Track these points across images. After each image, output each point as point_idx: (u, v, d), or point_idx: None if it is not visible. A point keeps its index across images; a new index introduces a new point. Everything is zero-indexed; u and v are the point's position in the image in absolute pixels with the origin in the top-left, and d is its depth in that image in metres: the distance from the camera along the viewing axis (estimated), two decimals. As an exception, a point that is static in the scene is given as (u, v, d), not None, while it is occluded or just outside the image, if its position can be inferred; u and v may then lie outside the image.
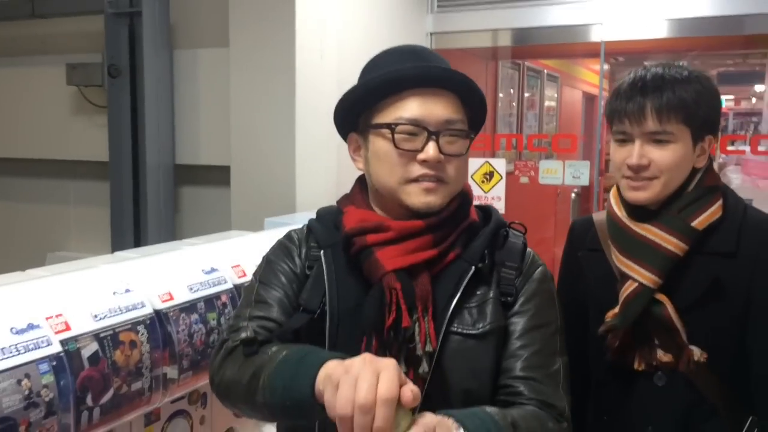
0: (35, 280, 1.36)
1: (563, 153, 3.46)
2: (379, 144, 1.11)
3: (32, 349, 1.10)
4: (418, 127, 1.08)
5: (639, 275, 1.38)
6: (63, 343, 1.16)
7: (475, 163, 3.42)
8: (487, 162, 3.42)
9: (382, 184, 1.12)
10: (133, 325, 1.31)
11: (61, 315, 1.20)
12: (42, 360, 1.10)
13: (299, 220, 2.25)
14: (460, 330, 1.09)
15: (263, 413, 1.04)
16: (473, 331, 1.09)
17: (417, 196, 1.09)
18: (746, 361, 1.38)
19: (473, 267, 1.10)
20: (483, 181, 3.55)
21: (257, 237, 1.99)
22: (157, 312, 1.38)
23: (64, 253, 3.20)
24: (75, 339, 1.19)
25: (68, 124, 3.16)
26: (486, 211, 1.22)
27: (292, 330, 1.08)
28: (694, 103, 1.37)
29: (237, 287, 1.60)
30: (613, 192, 1.54)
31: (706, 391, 1.38)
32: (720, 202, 1.42)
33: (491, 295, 1.12)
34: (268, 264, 1.22)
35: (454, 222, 1.13)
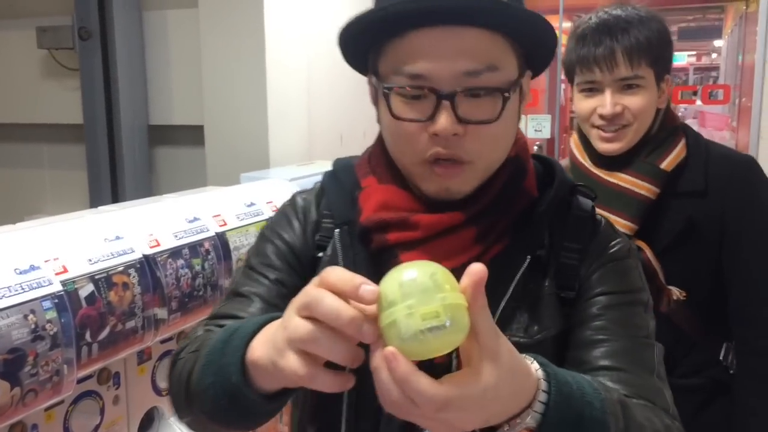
0: (29, 229, 1.45)
1: (526, 107, 3.58)
2: (382, 108, 0.84)
3: (35, 288, 1.19)
4: (421, 87, 0.78)
5: (617, 225, 1.30)
6: (62, 283, 1.25)
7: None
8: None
9: (393, 156, 0.87)
10: (125, 269, 1.41)
11: (58, 259, 1.29)
12: (45, 298, 1.20)
13: (274, 175, 2.35)
14: (508, 337, 0.77)
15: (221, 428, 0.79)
16: (524, 339, 0.82)
17: (432, 182, 0.83)
18: (722, 293, 1.40)
19: (528, 257, 0.85)
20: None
21: (235, 189, 2.08)
22: (146, 257, 1.48)
23: (41, 217, 3.24)
24: (73, 280, 1.29)
25: (40, 88, 3.19)
26: (547, 165, 0.93)
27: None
28: (657, 43, 1.36)
29: (219, 235, 1.70)
30: (574, 141, 1.53)
31: (686, 327, 1.41)
32: (683, 142, 1.41)
33: (546, 289, 0.85)
34: (260, 240, 0.97)
35: (504, 204, 0.85)
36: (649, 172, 1.39)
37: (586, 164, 1.46)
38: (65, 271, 1.29)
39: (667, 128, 1.43)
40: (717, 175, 1.39)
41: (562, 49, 1.89)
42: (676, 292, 1.38)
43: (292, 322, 0.60)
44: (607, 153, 1.41)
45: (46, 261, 1.26)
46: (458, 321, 0.55)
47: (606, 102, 1.37)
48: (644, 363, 0.82)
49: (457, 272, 0.60)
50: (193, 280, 1.59)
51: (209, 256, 1.65)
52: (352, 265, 0.86)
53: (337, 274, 0.58)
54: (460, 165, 0.81)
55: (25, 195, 3.42)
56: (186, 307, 1.57)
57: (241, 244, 1.77)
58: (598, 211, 1.25)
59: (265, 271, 0.92)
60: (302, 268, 0.92)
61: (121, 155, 2.93)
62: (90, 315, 1.31)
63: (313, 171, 2.37)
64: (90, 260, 1.35)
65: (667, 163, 1.40)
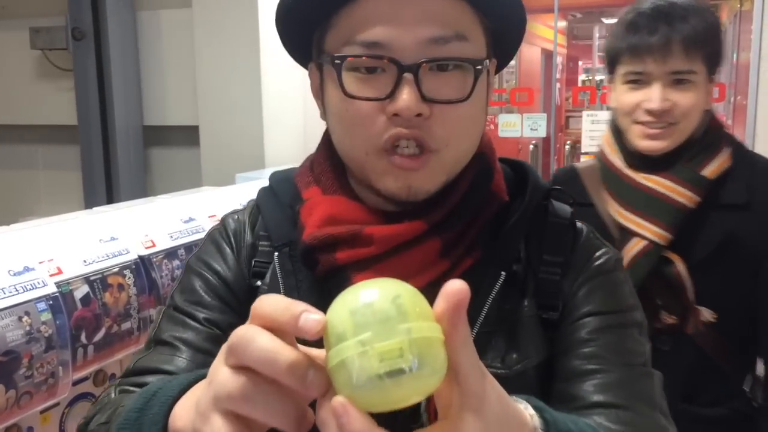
0: (23, 230, 1.44)
1: (521, 106, 3.58)
2: (329, 89, 0.71)
3: (30, 289, 1.18)
4: (380, 57, 0.66)
5: (648, 232, 1.25)
6: (57, 284, 1.24)
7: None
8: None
9: (343, 153, 0.74)
10: (120, 270, 1.40)
11: (52, 260, 1.28)
12: (39, 299, 1.19)
13: (269, 174, 2.34)
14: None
15: None
16: (502, 370, 0.70)
17: (390, 178, 0.69)
18: (754, 317, 1.29)
19: (502, 273, 0.73)
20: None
21: (230, 189, 2.07)
22: (141, 258, 1.47)
23: (35, 219, 3.23)
24: (68, 282, 1.28)
25: (34, 89, 3.17)
26: (519, 169, 0.81)
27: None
28: (713, 38, 1.25)
29: (214, 235, 1.70)
30: (606, 140, 1.39)
31: (712, 352, 1.29)
32: (729, 150, 1.29)
33: (525, 310, 0.73)
34: (185, 274, 0.81)
35: (471, 210, 0.73)
36: (691, 178, 1.26)
37: (618, 165, 1.33)
38: (60, 272, 1.28)
39: (712, 133, 1.30)
40: (763, 188, 1.27)
41: (558, 48, 1.85)
42: (706, 313, 1.26)
43: (218, 374, 0.45)
44: (648, 152, 1.27)
45: (40, 262, 1.25)
46: (430, 360, 0.42)
47: (654, 96, 1.24)
48: (644, 396, 0.70)
49: (424, 293, 0.47)
50: (189, 280, 1.59)
51: (205, 257, 1.64)
52: (295, 294, 0.74)
53: (270, 302, 0.44)
54: (425, 155, 0.68)
55: (20, 196, 3.41)
56: (182, 308, 1.56)
57: (237, 244, 1.76)
58: (623, 217, 1.14)
59: (193, 310, 0.76)
60: (238, 303, 0.77)
61: (116, 156, 2.92)
62: (85, 316, 1.30)
63: (309, 171, 2.36)
64: (85, 261, 1.34)
65: (711, 171, 1.27)
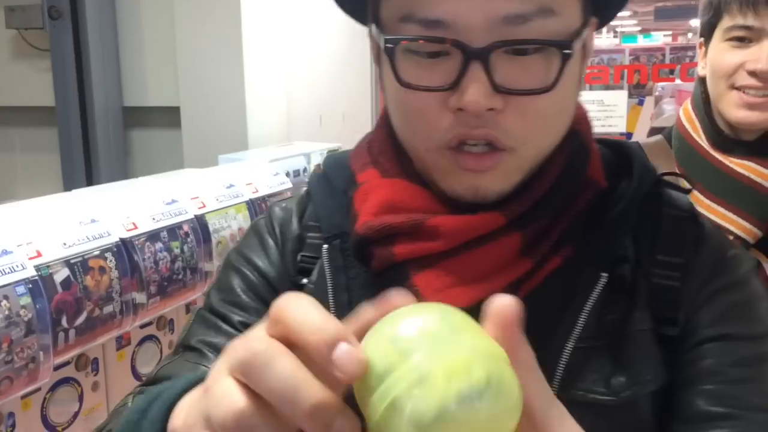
0: (0, 213, 1.40)
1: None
2: (386, 69, 0.60)
3: (8, 273, 1.15)
4: (441, 40, 0.55)
5: (735, 226, 1.09)
6: (36, 268, 1.22)
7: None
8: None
9: (405, 144, 0.63)
10: (101, 252, 1.37)
11: (31, 243, 1.25)
12: (18, 283, 1.16)
13: (253, 156, 2.31)
14: (580, 393, 0.57)
15: None
16: (607, 397, 0.57)
17: (454, 178, 0.59)
18: None
19: (604, 274, 0.60)
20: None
21: (213, 171, 2.04)
22: (122, 240, 1.44)
23: (13, 202, 3.17)
24: (47, 265, 1.25)
25: (9, 70, 3.10)
26: (621, 152, 0.67)
27: None
28: None
29: (198, 217, 1.67)
30: (685, 112, 1.20)
31: None
32: None
33: (637, 322, 0.59)
34: (224, 270, 0.73)
35: (561, 199, 0.61)
36: None
37: (701, 143, 1.14)
38: (39, 255, 1.25)
39: None
40: None
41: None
42: None
43: (217, 386, 0.36)
44: (744, 125, 1.10)
45: (18, 245, 1.23)
46: (506, 384, 0.32)
47: (763, 55, 1.06)
48: None
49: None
50: (172, 263, 1.56)
51: (188, 239, 1.62)
52: (345, 295, 0.64)
53: (300, 310, 0.35)
54: (497, 153, 0.56)
55: (-3, 179, 3.35)
56: (165, 291, 1.54)
57: (221, 226, 1.74)
58: (704, 206, 0.98)
59: (228, 312, 0.68)
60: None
61: (95, 138, 2.87)
62: (66, 300, 1.27)
63: (293, 152, 2.34)
64: (65, 244, 1.31)
65: None
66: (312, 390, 0.33)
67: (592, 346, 0.58)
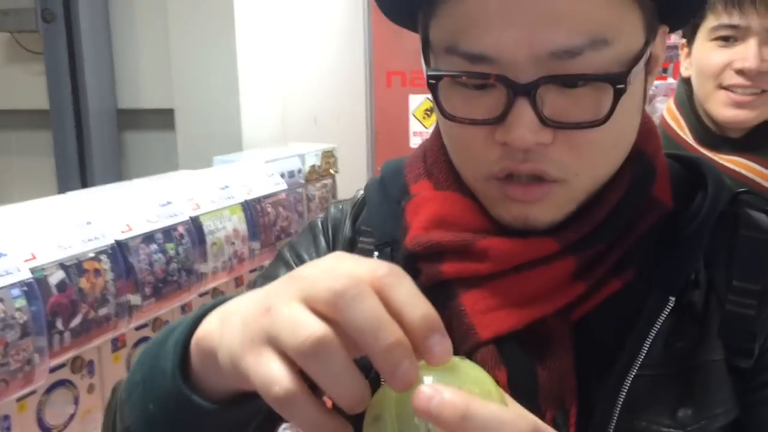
0: (-5, 216, 1.40)
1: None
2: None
3: (3, 275, 1.15)
4: (485, 76, 0.53)
5: None
6: (31, 270, 1.22)
7: (415, 100, 3.49)
8: (428, 98, 3.51)
9: (457, 167, 0.62)
10: (96, 255, 1.37)
11: (26, 245, 1.25)
12: (13, 285, 1.16)
13: (247, 157, 2.32)
14: (643, 424, 0.55)
15: None
16: (673, 429, 0.54)
17: (502, 207, 0.58)
18: None
19: (671, 298, 0.56)
20: (425, 117, 3.64)
21: (208, 172, 2.04)
22: (117, 242, 1.44)
23: (8, 205, 3.17)
24: (42, 267, 1.25)
25: (3, 73, 3.10)
26: (694, 168, 0.64)
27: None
28: None
29: (193, 219, 1.67)
30: (669, 111, 1.21)
31: None
32: None
33: (708, 351, 0.56)
34: (274, 261, 0.75)
35: (621, 222, 0.59)
36: None
37: (688, 140, 1.14)
38: (34, 257, 1.25)
39: None
40: None
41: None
42: None
43: (289, 310, 0.38)
44: (732, 123, 1.10)
45: (13, 248, 1.23)
46: None
47: (750, 53, 1.05)
48: None
49: (553, 321, 0.50)
50: (167, 264, 1.56)
51: (183, 241, 1.62)
52: None
53: (365, 313, 0.37)
54: (546, 184, 0.55)
55: (-9, 183, 3.34)
56: (160, 292, 1.54)
57: (216, 227, 1.74)
58: None
59: None
60: None
61: (89, 141, 2.86)
62: (61, 302, 1.27)
63: (288, 153, 2.34)
64: (60, 246, 1.31)
65: None
66: (392, 330, 0.36)
67: (657, 374, 0.55)
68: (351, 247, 0.70)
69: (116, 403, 0.55)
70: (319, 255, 0.70)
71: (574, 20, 0.50)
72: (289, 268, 0.70)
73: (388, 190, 0.69)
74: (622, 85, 0.51)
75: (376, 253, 0.67)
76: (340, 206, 0.75)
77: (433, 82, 0.55)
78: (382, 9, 0.60)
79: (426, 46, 0.58)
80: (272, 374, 0.37)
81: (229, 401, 0.45)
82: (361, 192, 0.74)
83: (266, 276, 0.72)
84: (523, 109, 0.51)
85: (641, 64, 0.54)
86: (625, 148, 0.58)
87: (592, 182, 0.57)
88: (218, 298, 0.49)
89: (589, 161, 0.55)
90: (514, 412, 0.36)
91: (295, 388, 0.37)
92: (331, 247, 0.71)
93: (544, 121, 0.52)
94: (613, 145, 0.56)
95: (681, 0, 0.57)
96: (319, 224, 0.74)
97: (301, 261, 0.71)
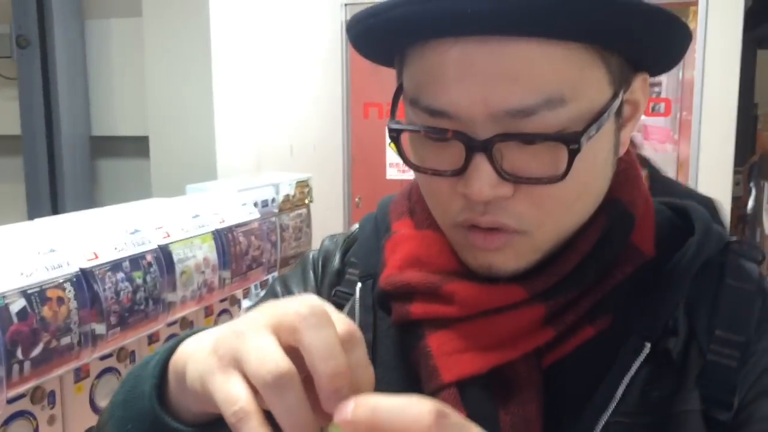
0: (-43, 242, 1.38)
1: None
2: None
3: (-39, 303, 1.13)
4: (443, 131, 0.54)
5: None
6: (-9, 298, 1.19)
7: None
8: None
9: (430, 210, 0.63)
10: (60, 283, 1.35)
11: (-13, 272, 1.23)
12: (-29, 313, 1.14)
13: (221, 186, 2.30)
14: None
15: None
16: None
17: (468, 254, 0.59)
18: None
19: (646, 344, 0.55)
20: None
21: (179, 200, 2.03)
22: (82, 270, 1.42)
23: (-24, 231, 3.11)
24: (3, 295, 1.22)
25: (-25, 98, 3.07)
26: (685, 216, 0.63)
27: None
28: None
29: (161, 247, 1.65)
30: None
31: None
32: None
33: (685, 401, 0.54)
34: (266, 293, 0.78)
35: (591, 272, 0.58)
36: None
37: None
38: (-6, 285, 1.22)
39: None
40: None
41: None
42: None
43: (259, 338, 0.40)
44: None
45: (-27, 275, 1.20)
46: None
47: None
48: None
49: (518, 365, 0.50)
50: (134, 293, 1.54)
51: (151, 269, 1.60)
52: (370, 334, 0.64)
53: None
54: (507, 234, 0.55)
55: (-40, 209, 3.28)
56: (126, 322, 1.51)
57: (185, 256, 1.72)
58: None
59: None
60: None
61: (61, 167, 2.83)
62: (21, 331, 1.25)
63: (262, 182, 2.33)
64: (22, 274, 1.29)
65: None
66: (342, 359, 0.39)
67: (632, 423, 0.54)
68: (338, 278, 0.72)
69: (101, 423, 0.58)
70: (306, 289, 0.73)
71: (529, 80, 0.50)
72: (276, 299, 0.69)
73: (379, 224, 0.71)
74: (576, 145, 0.51)
75: (359, 284, 0.68)
76: (335, 239, 0.77)
77: (395, 135, 0.57)
78: (360, 53, 0.61)
79: (399, 92, 0.59)
80: (233, 394, 0.40)
81: (203, 424, 0.48)
82: (357, 225, 0.76)
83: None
84: (481, 164, 0.52)
85: (606, 116, 0.53)
86: (594, 199, 0.58)
87: (555, 234, 0.57)
88: (207, 326, 0.52)
89: (552, 214, 0.55)
90: (417, 398, 0.37)
91: (251, 410, 0.39)
92: (319, 280, 0.73)
93: (502, 176, 0.52)
94: (577, 197, 0.56)
95: (650, 51, 0.56)
96: (311, 258, 0.76)
97: (288, 293, 0.74)
